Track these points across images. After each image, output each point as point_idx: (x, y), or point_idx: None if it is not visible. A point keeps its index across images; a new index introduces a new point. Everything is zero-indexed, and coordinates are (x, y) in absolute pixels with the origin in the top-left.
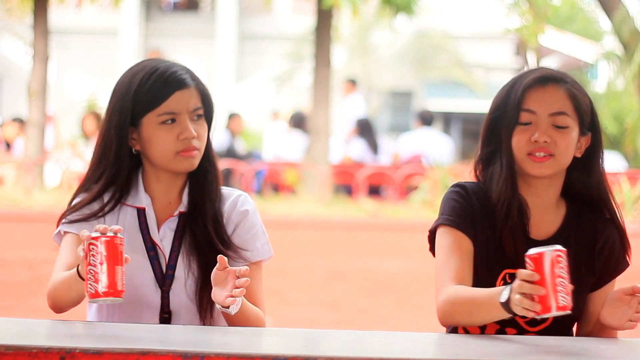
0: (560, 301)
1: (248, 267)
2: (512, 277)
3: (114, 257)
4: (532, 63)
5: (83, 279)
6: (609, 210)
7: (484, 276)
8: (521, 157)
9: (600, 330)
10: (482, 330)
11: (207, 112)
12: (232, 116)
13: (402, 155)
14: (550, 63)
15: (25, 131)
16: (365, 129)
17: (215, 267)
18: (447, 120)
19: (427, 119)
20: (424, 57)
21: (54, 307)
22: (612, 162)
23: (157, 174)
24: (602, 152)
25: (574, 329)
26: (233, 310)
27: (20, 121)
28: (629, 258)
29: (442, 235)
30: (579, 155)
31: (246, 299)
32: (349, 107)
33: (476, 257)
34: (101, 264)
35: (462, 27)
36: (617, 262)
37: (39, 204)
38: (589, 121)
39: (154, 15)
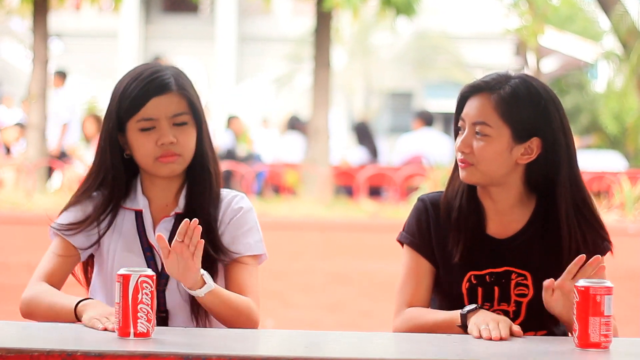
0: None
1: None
2: (477, 278)
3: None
4: (532, 63)
5: (79, 320)
6: (560, 201)
7: (450, 280)
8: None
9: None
10: None
11: (195, 118)
12: (231, 118)
13: (401, 156)
14: (550, 63)
15: (26, 134)
16: (363, 135)
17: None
18: (447, 121)
19: (427, 119)
20: (424, 58)
21: (27, 317)
22: (612, 161)
23: (150, 177)
24: (566, 152)
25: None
26: (200, 292)
27: (20, 125)
28: (610, 244)
29: (404, 254)
30: (523, 161)
31: (236, 292)
32: (61, 101)
33: (441, 265)
34: (152, 304)
35: (461, 27)
36: (595, 246)
37: (39, 207)
38: (529, 127)
39: (153, 17)
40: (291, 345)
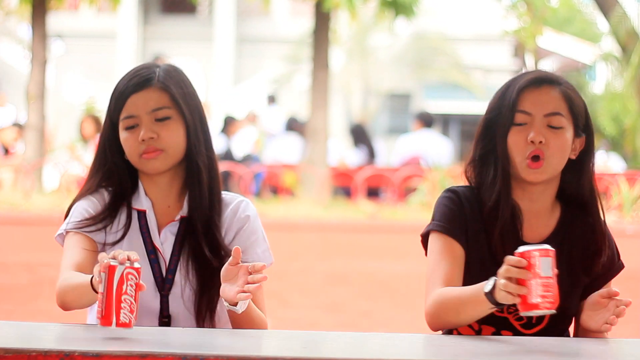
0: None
1: (264, 263)
2: None
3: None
4: (530, 65)
5: (96, 292)
6: (595, 212)
7: (477, 279)
8: (518, 160)
9: (587, 334)
10: (478, 333)
11: (182, 113)
12: (227, 120)
13: (400, 157)
14: (549, 65)
15: (24, 135)
16: (360, 136)
17: (227, 262)
18: (446, 122)
19: (427, 120)
20: (423, 59)
21: (63, 307)
22: (610, 163)
23: (149, 178)
24: (594, 154)
25: (571, 330)
26: (241, 307)
27: (19, 126)
28: (620, 259)
29: (434, 240)
30: (573, 157)
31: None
32: None
33: (469, 261)
34: (136, 296)
35: (460, 29)
36: (612, 264)
37: (37, 207)
38: (583, 123)
39: (152, 18)
40: (289, 345)
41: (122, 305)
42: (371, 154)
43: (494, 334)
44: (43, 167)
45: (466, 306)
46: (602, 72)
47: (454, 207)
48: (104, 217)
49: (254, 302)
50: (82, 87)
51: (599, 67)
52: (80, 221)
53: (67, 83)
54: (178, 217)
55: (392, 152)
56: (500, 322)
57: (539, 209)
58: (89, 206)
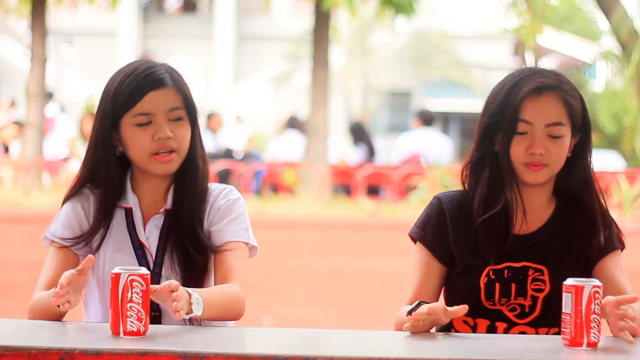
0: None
1: (177, 283)
2: (495, 273)
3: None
4: (530, 63)
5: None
6: (588, 200)
7: (468, 275)
8: (517, 165)
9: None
10: (474, 329)
11: (190, 114)
12: (211, 116)
13: (400, 155)
14: (549, 63)
15: (24, 133)
16: (360, 134)
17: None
18: (446, 120)
19: (427, 118)
20: (423, 57)
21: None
22: (610, 161)
23: (143, 174)
24: (590, 148)
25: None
26: (196, 312)
27: (18, 124)
28: (623, 241)
29: (416, 252)
30: (568, 155)
31: (222, 276)
32: None
33: (459, 262)
34: (144, 303)
35: (460, 27)
36: (606, 243)
37: (37, 205)
38: (580, 123)
39: (151, 16)
40: (289, 342)
41: (129, 313)
42: (371, 152)
43: (489, 326)
44: (42, 165)
45: (403, 324)
46: (602, 71)
47: (436, 216)
48: (91, 233)
49: (227, 270)
50: (82, 85)
51: (599, 65)
52: (65, 239)
53: (67, 81)
54: (162, 210)
55: (392, 150)
56: (494, 314)
57: (534, 205)
58: (75, 217)
